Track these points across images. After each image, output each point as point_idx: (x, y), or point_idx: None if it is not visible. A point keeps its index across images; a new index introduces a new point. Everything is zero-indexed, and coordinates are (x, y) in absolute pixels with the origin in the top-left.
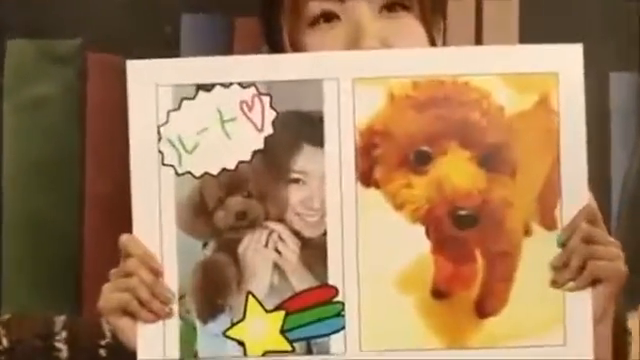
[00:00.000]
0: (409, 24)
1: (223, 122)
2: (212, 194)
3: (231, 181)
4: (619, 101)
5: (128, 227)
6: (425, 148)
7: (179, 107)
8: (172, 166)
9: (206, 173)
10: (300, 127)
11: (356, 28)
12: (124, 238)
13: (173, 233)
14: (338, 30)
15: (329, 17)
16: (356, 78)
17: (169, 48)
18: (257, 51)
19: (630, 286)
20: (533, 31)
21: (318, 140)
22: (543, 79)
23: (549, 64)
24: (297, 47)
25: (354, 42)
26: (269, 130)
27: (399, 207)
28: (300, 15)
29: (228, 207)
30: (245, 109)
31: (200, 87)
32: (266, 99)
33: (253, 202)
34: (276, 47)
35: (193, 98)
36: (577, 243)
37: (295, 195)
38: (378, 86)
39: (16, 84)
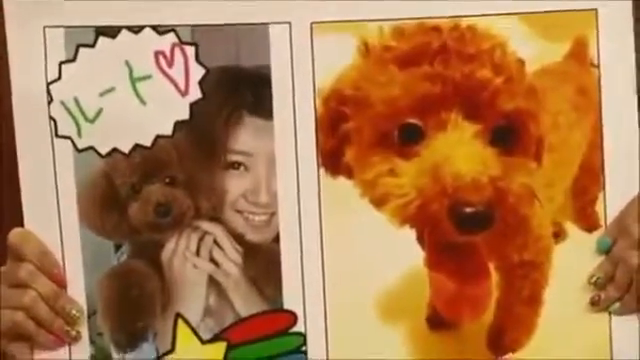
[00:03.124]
0: None
1: (134, 80)
2: (124, 179)
3: (148, 162)
4: None
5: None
6: (414, 121)
7: (74, 58)
8: (69, 138)
9: (114, 150)
10: (239, 90)
11: None
12: (15, 234)
13: (75, 229)
14: None
15: None
16: (315, 23)
17: None
18: None
19: None
20: None
21: (265, 109)
22: (577, 18)
23: None
24: None
25: None
26: (196, 93)
27: (379, 203)
28: None
29: (145, 197)
30: (163, 63)
31: (101, 31)
32: (190, 50)
33: (177, 192)
34: None
35: (92, 45)
36: (625, 250)
37: (235, 185)
38: (346, 33)
39: None
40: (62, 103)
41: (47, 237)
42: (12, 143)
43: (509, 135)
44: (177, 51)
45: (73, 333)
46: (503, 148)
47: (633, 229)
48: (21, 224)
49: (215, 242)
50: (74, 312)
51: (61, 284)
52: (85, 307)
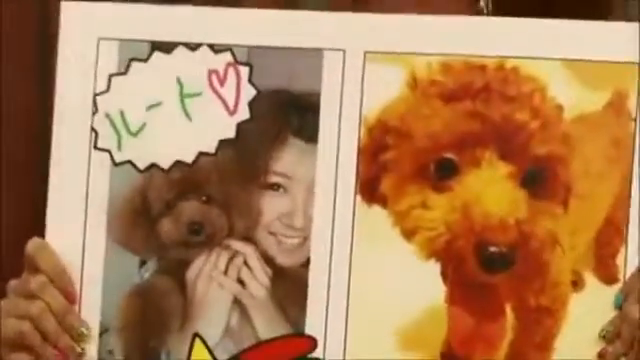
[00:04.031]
0: None
1: (183, 97)
2: (159, 195)
3: (186, 180)
4: None
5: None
6: (450, 156)
7: (126, 71)
8: (108, 151)
9: (153, 165)
10: (287, 113)
11: None
12: (32, 245)
13: (101, 243)
14: None
15: None
16: (369, 52)
17: None
18: None
19: None
20: None
21: (310, 133)
22: (619, 70)
23: (630, 50)
24: None
25: None
26: (244, 114)
27: (410, 234)
28: None
29: (179, 214)
30: (215, 82)
31: (156, 46)
32: (244, 70)
33: (213, 211)
34: None
35: (146, 60)
36: (630, 305)
37: (272, 206)
38: (397, 65)
39: None
40: (107, 115)
41: (68, 248)
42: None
43: (540, 179)
44: (231, 71)
45: (78, 350)
46: (532, 191)
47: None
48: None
49: (245, 262)
50: (82, 330)
51: (72, 301)
52: (98, 321)
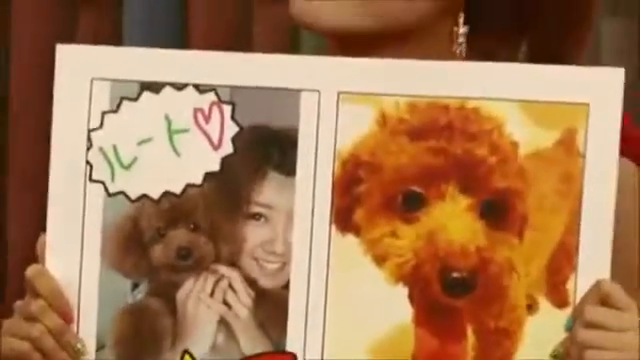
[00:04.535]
0: None
1: (171, 133)
2: (150, 223)
3: (175, 209)
4: None
5: None
6: (417, 189)
7: (117, 109)
8: (102, 183)
9: (144, 196)
10: (267, 148)
11: None
12: (31, 271)
13: (96, 268)
14: None
15: None
16: (342, 92)
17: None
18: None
19: None
20: None
21: (288, 167)
22: (570, 110)
23: (579, 92)
24: None
25: None
26: (228, 148)
27: (380, 260)
28: None
29: (168, 241)
30: (200, 119)
31: (146, 86)
32: (227, 109)
33: (201, 238)
34: None
35: (136, 99)
36: (580, 330)
37: (254, 234)
38: (368, 104)
39: None
40: (101, 149)
41: (67, 272)
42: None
43: (497, 211)
44: (215, 109)
45: None
46: (491, 222)
47: (586, 310)
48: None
49: (230, 285)
50: (78, 346)
51: (69, 321)
52: (94, 339)
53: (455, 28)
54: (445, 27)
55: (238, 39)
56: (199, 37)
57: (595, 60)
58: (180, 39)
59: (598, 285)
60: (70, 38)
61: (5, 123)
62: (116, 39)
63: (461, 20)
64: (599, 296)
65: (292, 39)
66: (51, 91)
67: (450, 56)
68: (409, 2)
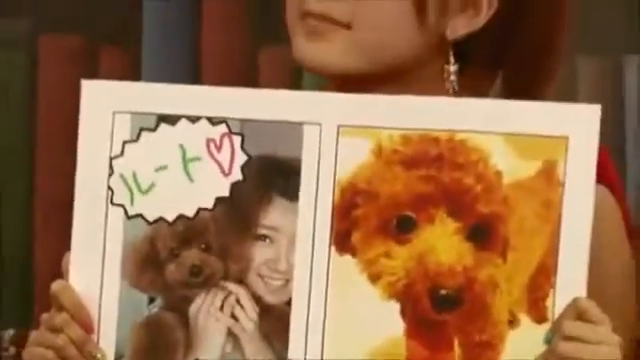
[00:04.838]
0: (383, 5)
1: (186, 161)
2: (165, 244)
3: (188, 231)
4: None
5: None
6: (410, 213)
7: (137, 138)
8: (122, 206)
9: (160, 218)
10: (273, 176)
11: None
12: (56, 286)
13: (116, 284)
14: None
15: None
16: (342, 125)
17: (130, 30)
18: (227, 39)
19: None
20: None
21: (292, 193)
22: (550, 143)
23: (559, 126)
24: None
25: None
26: (237, 175)
27: (375, 279)
28: None
29: (182, 260)
30: (212, 149)
31: (162, 118)
32: (237, 139)
33: (211, 257)
34: None
35: (154, 130)
36: (558, 343)
37: (260, 254)
38: (365, 137)
39: None
40: (121, 176)
41: (89, 287)
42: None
43: (483, 234)
44: (226, 139)
45: None
46: (477, 244)
47: (564, 325)
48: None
49: (237, 301)
50: (98, 356)
51: (90, 331)
52: (114, 349)
53: (446, 66)
54: (437, 65)
55: (245, 76)
56: (210, 75)
57: (572, 95)
58: (193, 76)
59: (575, 302)
60: (93, 75)
61: (32, 150)
62: (135, 77)
63: (451, 58)
64: (576, 312)
65: (295, 77)
66: (75, 123)
67: (442, 92)
68: (402, 44)
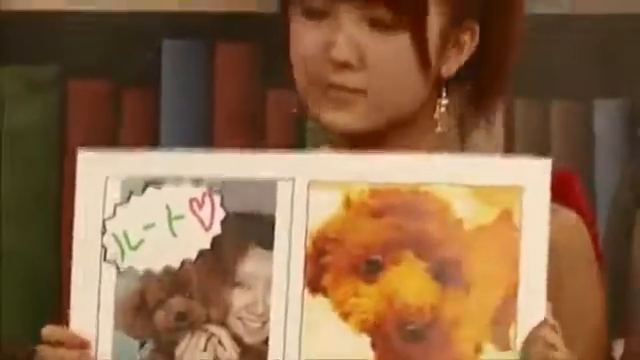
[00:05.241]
0: (397, 47)
1: (171, 219)
2: (153, 295)
3: (174, 281)
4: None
5: None
6: (376, 257)
7: (127, 201)
8: (114, 263)
9: (149, 271)
10: (249, 229)
11: (333, 32)
12: (46, 329)
13: (109, 332)
14: (320, 30)
15: (320, 15)
16: (312, 180)
17: (150, 74)
18: (239, 77)
19: (614, 315)
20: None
21: (267, 243)
22: (507, 192)
23: (515, 177)
24: (290, 37)
25: (326, 47)
26: (217, 230)
27: (346, 316)
28: (299, 2)
29: (169, 307)
30: (195, 207)
31: (149, 183)
32: (217, 198)
33: (195, 304)
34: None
35: (142, 193)
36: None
37: (239, 299)
38: (335, 190)
39: None
40: (113, 235)
41: (85, 334)
42: None
43: (447, 273)
44: (207, 198)
45: None
46: (442, 282)
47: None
48: None
49: (219, 341)
50: None
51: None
52: None
53: (439, 99)
54: (431, 101)
55: (254, 115)
56: (222, 114)
57: (545, 136)
58: (206, 114)
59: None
60: (118, 116)
61: (62, 182)
62: (156, 115)
63: (444, 93)
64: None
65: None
66: None
67: (432, 123)
68: (410, 99)
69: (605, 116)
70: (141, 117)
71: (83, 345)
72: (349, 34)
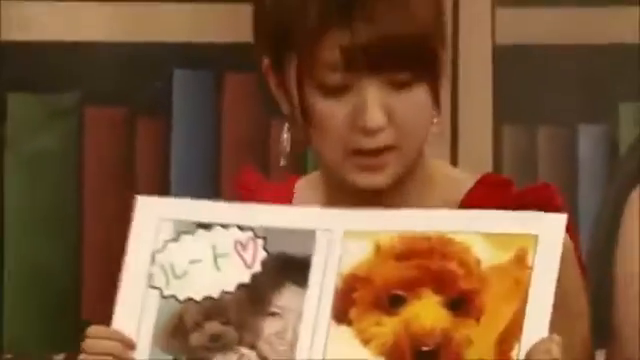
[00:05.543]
0: (418, 100)
1: (216, 256)
2: (192, 318)
3: (212, 307)
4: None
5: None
6: (400, 292)
7: (177, 238)
8: (159, 288)
9: (190, 298)
10: (287, 269)
11: (362, 103)
12: (90, 329)
13: (147, 348)
14: (346, 103)
15: (341, 90)
16: (347, 231)
17: (162, 102)
18: (246, 105)
19: (597, 324)
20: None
21: (302, 282)
22: (523, 238)
23: (531, 227)
24: (308, 112)
25: (354, 117)
26: (258, 268)
27: (366, 342)
28: (317, 81)
29: (205, 330)
30: (239, 248)
31: (200, 225)
32: (260, 241)
33: (230, 329)
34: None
35: (192, 233)
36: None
37: (270, 327)
38: (367, 239)
39: (17, 137)
40: (161, 265)
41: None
42: None
43: (461, 304)
44: (251, 241)
45: None
46: (455, 312)
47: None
48: None
49: None
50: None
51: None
52: None
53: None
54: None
55: (259, 141)
56: (229, 140)
57: (532, 160)
58: (215, 141)
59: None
60: (131, 142)
61: (81, 205)
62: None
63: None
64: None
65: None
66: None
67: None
68: (424, 133)
69: (589, 141)
70: (153, 142)
71: (126, 342)
72: (377, 101)
